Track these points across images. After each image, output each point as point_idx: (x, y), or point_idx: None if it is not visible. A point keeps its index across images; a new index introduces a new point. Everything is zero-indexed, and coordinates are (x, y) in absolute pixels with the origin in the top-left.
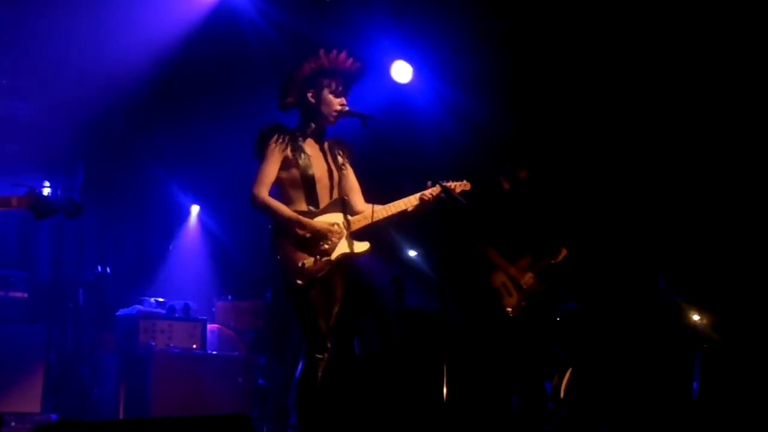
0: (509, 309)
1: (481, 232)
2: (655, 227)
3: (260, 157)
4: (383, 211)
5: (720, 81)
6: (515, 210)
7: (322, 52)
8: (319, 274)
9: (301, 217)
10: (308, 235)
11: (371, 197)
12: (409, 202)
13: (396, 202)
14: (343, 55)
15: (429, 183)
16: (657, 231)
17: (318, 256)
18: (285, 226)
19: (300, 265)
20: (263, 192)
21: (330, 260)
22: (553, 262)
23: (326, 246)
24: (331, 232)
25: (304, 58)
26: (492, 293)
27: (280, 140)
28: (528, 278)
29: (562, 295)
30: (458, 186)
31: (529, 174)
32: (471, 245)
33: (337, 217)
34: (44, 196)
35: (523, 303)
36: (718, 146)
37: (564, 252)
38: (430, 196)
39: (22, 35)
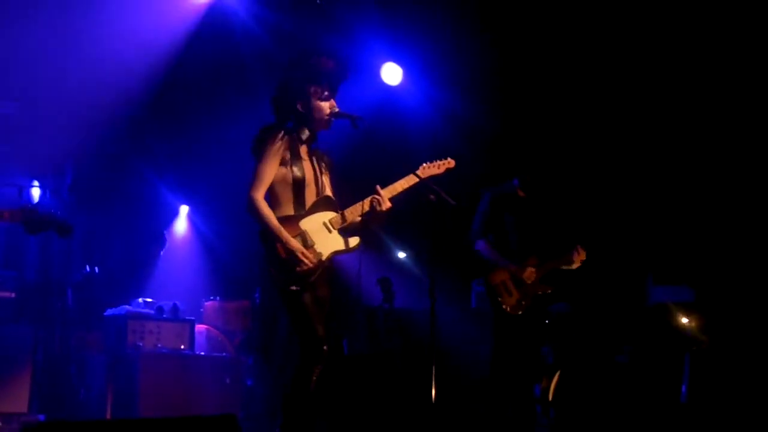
0: (506, 307)
1: (489, 233)
2: (645, 230)
3: (259, 156)
4: (368, 203)
5: (703, 86)
6: (528, 215)
7: (303, 58)
8: (312, 277)
9: (283, 233)
10: (284, 249)
11: (360, 198)
12: (394, 189)
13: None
14: (323, 58)
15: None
16: (646, 233)
17: (303, 265)
18: (285, 220)
19: (296, 270)
20: (260, 195)
21: (322, 261)
22: (567, 267)
23: (297, 269)
24: (303, 259)
25: (288, 69)
26: (490, 291)
27: (281, 140)
28: (529, 272)
29: (551, 297)
30: (442, 165)
31: (542, 183)
32: (472, 246)
33: (327, 216)
34: (38, 212)
35: (523, 302)
36: (706, 150)
37: (581, 257)
38: (405, 184)
39: (12, 35)
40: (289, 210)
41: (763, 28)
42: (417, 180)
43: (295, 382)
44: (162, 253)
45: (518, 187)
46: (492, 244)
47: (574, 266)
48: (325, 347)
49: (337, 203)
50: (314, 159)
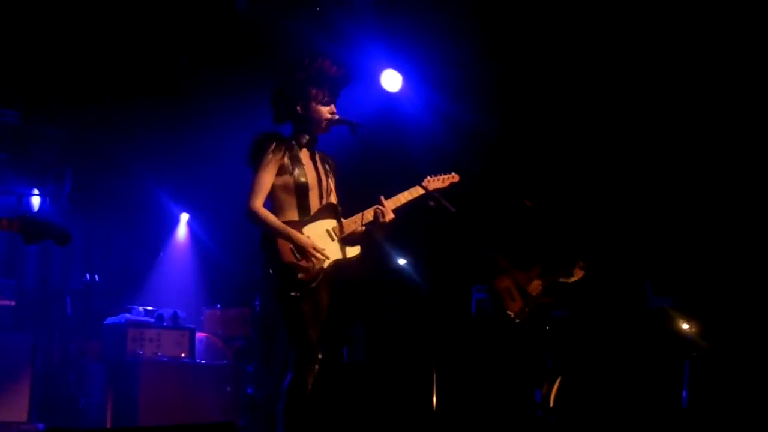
0: (511, 313)
1: (495, 240)
2: (643, 235)
3: (256, 165)
4: (371, 213)
5: (701, 97)
6: (534, 225)
7: (306, 61)
8: (312, 284)
9: (291, 231)
10: (296, 247)
11: (361, 206)
12: (398, 200)
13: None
14: (327, 62)
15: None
16: (645, 238)
17: (311, 266)
18: (276, 237)
19: (297, 276)
20: (258, 203)
21: (323, 268)
22: (565, 280)
23: (308, 264)
24: (315, 254)
25: (290, 70)
26: (495, 296)
27: (277, 149)
28: (536, 285)
29: (552, 304)
30: (447, 179)
31: (548, 194)
32: (481, 252)
33: (329, 223)
34: (36, 221)
35: (527, 309)
36: (703, 155)
37: (582, 272)
38: (409, 196)
39: (12, 42)
40: (293, 216)
41: (763, 29)
42: (422, 192)
43: (289, 390)
44: (160, 256)
45: (524, 197)
46: (499, 251)
47: (572, 280)
48: (319, 355)
49: (341, 210)
50: (317, 162)
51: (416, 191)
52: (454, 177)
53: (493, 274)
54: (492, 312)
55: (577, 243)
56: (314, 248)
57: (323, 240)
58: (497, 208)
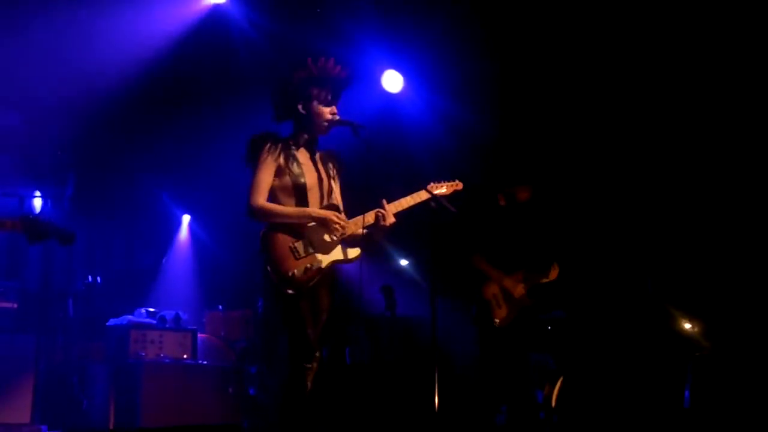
0: (497, 320)
1: (476, 244)
2: (645, 234)
3: (253, 164)
4: (372, 216)
5: (698, 99)
6: (510, 226)
7: (309, 61)
8: (310, 284)
9: (305, 209)
10: (313, 224)
11: (361, 207)
12: (400, 204)
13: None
14: (330, 62)
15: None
16: (646, 238)
17: (309, 265)
18: (287, 225)
19: (290, 274)
20: (261, 200)
21: (321, 268)
22: (544, 281)
23: (328, 238)
24: (337, 221)
25: (293, 69)
26: (483, 304)
27: (272, 148)
28: (520, 289)
29: (552, 303)
30: (451, 186)
31: (528, 196)
32: (467, 257)
33: None
34: (39, 221)
35: (512, 315)
36: (705, 155)
37: (556, 271)
38: (412, 201)
39: (12, 45)
40: None
41: (763, 31)
42: (426, 197)
43: (286, 388)
44: (164, 261)
45: (500, 195)
46: (484, 254)
47: (548, 280)
48: (317, 353)
49: (343, 211)
50: (318, 162)
51: (419, 196)
52: (457, 185)
53: (481, 281)
54: (475, 319)
55: (551, 242)
56: (336, 216)
57: (324, 241)
58: (480, 209)
